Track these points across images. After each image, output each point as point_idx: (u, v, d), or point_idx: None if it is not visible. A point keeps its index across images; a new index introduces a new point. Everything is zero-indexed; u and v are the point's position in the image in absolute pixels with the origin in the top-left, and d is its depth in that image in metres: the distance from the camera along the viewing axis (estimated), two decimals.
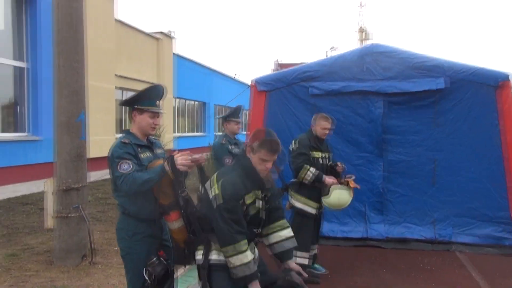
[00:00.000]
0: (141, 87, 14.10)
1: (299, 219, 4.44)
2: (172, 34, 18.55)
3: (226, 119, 5.09)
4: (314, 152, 4.46)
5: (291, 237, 2.83)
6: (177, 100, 20.08)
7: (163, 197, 2.63)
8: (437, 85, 5.52)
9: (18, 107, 11.00)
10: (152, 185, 2.58)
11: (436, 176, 5.68)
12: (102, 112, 13.12)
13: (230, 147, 4.88)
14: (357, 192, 5.83)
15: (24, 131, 10.98)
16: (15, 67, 10.73)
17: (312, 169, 4.31)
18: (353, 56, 5.83)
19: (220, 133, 5.29)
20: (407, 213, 5.79)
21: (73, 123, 4.56)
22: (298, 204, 4.43)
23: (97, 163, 9.15)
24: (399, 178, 5.82)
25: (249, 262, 2.46)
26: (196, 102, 22.59)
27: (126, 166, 2.61)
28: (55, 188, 4.60)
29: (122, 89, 15.21)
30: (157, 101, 2.84)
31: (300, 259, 4.25)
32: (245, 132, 5.69)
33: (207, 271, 2.54)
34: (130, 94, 16.13)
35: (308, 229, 4.44)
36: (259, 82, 6.02)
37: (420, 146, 5.76)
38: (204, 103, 22.70)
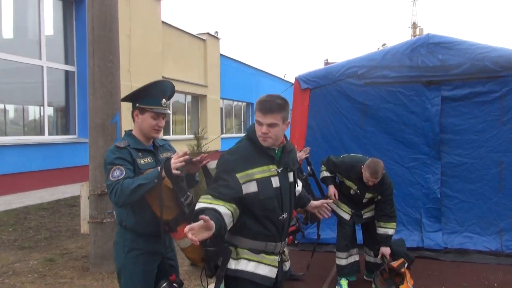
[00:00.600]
0: (188, 88, 14.25)
1: (337, 220, 4.41)
2: (218, 35, 18.47)
3: None
4: (347, 181, 4.27)
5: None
6: (224, 101, 20.03)
7: (166, 212, 2.30)
8: (504, 79, 4.93)
9: (68, 110, 11.27)
10: (143, 193, 2.24)
11: (503, 180, 5.05)
12: None
13: None
14: (411, 198, 5.37)
15: (74, 134, 11.22)
16: (65, 71, 10.98)
17: (326, 173, 4.34)
18: (405, 48, 5.30)
19: None
20: (469, 222, 5.20)
21: (108, 125, 4.42)
22: (333, 206, 4.26)
23: None
24: (459, 183, 5.24)
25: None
26: (243, 103, 22.46)
27: (117, 173, 2.30)
28: (89, 193, 4.47)
29: None
30: (163, 100, 2.52)
31: (337, 259, 4.29)
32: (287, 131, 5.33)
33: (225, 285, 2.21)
34: (176, 96, 16.40)
35: (342, 232, 4.30)
36: (302, 79, 5.65)
37: (483, 147, 5.15)
38: (251, 104, 22.51)
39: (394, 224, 4.16)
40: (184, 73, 15.94)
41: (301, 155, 4.43)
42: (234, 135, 20.67)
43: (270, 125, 2.18)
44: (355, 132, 5.48)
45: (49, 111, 10.75)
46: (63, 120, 11.24)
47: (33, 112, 10.73)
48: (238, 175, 2.15)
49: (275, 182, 2.27)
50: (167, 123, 15.70)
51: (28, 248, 5.25)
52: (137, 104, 2.51)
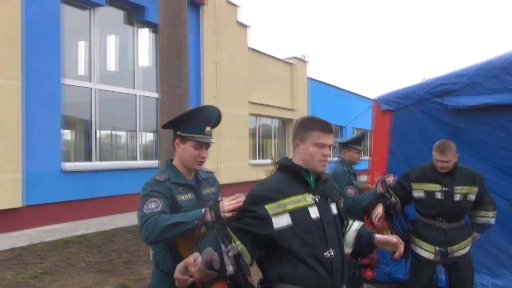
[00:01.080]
0: (275, 113, 14.24)
1: (414, 262, 3.80)
2: (306, 58, 18.38)
3: (347, 145, 4.33)
4: (428, 184, 3.70)
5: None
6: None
7: None
8: None
9: (158, 136, 11.82)
10: (179, 233, 2.01)
11: None
12: (235, 139, 13.41)
13: (351, 176, 4.19)
14: None
15: None
16: (157, 99, 11.58)
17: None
18: (503, 61, 4.62)
19: (335, 159, 4.54)
20: None
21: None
22: (412, 245, 3.74)
23: (230, 189, 9.13)
24: None
25: None
26: (334, 126, 21.93)
27: (153, 205, 2.10)
28: None
29: (255, 115, 15.44)
30: (207, 128, 2.32)
31: None
32: (367, 158, 4.91)
33: None
34: (263, 121, 16.51)
35: (419, 275, 3.69)
36: (382, 100, 5.20)
37: None
38: (341, 127, 21.90)
39: (495, 211, 3.74)
40: (271, 98, 16.02)
41: (390, 180, 3.98)
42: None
43: (330, 147, 2.05)
44: None
45: (143, 137, 11.36)
46: (155, 145, 11.80)
47: (128, 137, 11.42)
48: (267, 206, 1.91)
49: (314, 212, 1.98)
50: (254, 147, 15.79)
51: (106, 271, 5.39)
52: (178, 132, 2.34)
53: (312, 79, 19.08)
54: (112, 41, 10.80)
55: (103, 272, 5.36)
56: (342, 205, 2.22)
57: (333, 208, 2.11)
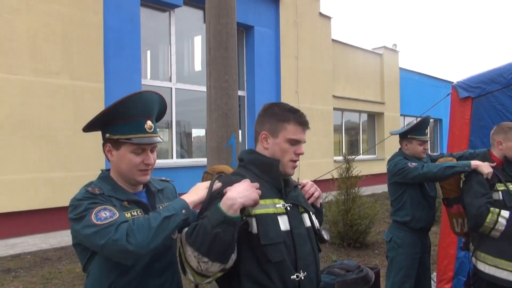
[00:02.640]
0: (362, 106, 13.56)
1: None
2: (397, 48, 17.19)
3: (406, 136, 3.69)
4: (500, 184, 2.98)
5: None
6: (405, 118, 18.45)
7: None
8: None
9: (240, 133, 11.84)
10: (173, 229, 1.52)
11: None
12: (319, 135, 12.97)
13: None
14: None
15: None
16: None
17: (505, 213, 2.79)
18: None
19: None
20: None
21: (223, 149, 4.20)
22: (485, 267, 2.90)
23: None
24: None
25: None
26: (431, 119, 20.32)
27: (106, 214, 1.51)
28: None
29: (341, 110, 14.81)
30: (147, 122, 1.71)
31: None
32: (434, 153, 4.22)
33: None
34: (349, 116, 15.76)
35: None
36: (461, 86, 4.49)
37: None
38: (440, 120, 20.19)
39: None
40: (358, 91, 15.26)
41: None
42: None
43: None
44: None
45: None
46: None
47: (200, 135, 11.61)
48: None
49: (284, 223, 1.62)
50: (339, 144, 15.17)
51: None
52: (107, 135, 1.75)
53: (404, 69, 17.81)
54: (190, 40, 11.02)
55: None
56: (314, 217, 1.82)
57: (306, 220, 1.74)
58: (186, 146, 10.92)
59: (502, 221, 2.80)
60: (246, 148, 1.87)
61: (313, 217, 1.81)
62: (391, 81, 16.83)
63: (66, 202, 6.47)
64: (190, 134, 11.24)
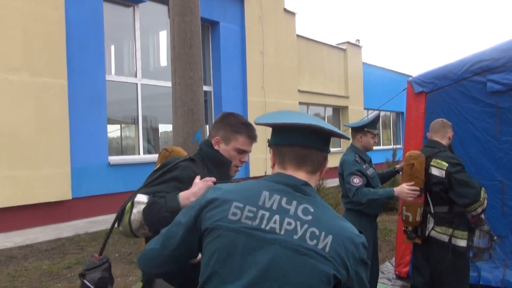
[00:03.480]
0: (327, 101, 13.78)
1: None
2: (360, 43, 17.63)
3: (363, 129, 3.89)
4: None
5: None
6: (369, 111, 18.93)
7: None
8: None
9: (207, 128, 11.90)
10: None
11: None
12: None
13: (364, 166, 3.82)
14: None
15: None
16: (204, 91, 11.61)
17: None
18: None
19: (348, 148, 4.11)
20: None
21: (189, 144, 4.29)
22: (462, 242, 3.41)
23: None
24: None
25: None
26: (392, 112, 20.95)
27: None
28: None
29: (306, 104, 15.08)
30: None
31: None
32: (397, 146, 4.44)
33: None
34: (315, 110, 16.05)
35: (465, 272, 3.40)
36: (416, 81, 4.76)
37: None
38: (401, 113, 20.84)
39: None
40: (322, 85, 15.57)
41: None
42: (381, 147, 19.38)
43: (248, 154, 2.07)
44: (486, 143, 4.34)
45: None
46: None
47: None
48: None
49: None
50: None
51: (135, 263, 5.45)
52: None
53: (367, 64, 18.29)
54: (155, 36, 10.96)
55: (132, 263, 5.43)
56: None
57: None
58: (153, 142, 10.89)
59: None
60: (205, 140, 2.11)
61: None
62: (354, 75, 17.25)
63: (30, 200, 6.44)
64: (157, 129, 11.22)
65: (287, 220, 1.24)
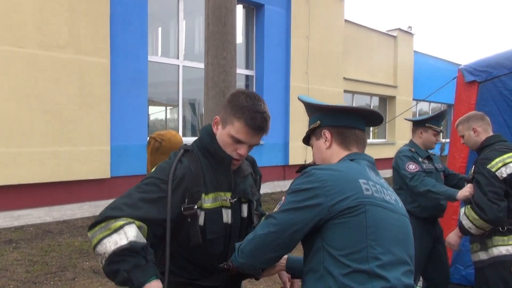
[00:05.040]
0: (374, 90, 13.33)
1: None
2: (412, 30, 16.80)
3: (424, 124, 3.56)
4: None
5: None
6: (417, 102, 18.16)
7: None
8: None
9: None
10: None
11: None
12: None
13: (419, 159, 3.50)
14: None
15: None
16: (245, 75, 11.47)
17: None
18: None
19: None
20: None
21: None
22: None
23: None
24: None
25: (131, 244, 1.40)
26: (442, 104, 19.95)
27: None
28: None
29: (351, 92, 14.59)
30: None
31: None
32: (446, 140, 4.06)
33: None
34: (360, 98, 15.49)
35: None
36: (467, 70, 4.35)
37: None
38: (452, 105, 19.80)
39: None
40: (369, 74, 15.00)
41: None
42: None
43: (251, 146, 1.64)
44: None
45: None
46: None
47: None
48: (183, 193, 1.56)
49: (226, 216, 1.62)
50: None
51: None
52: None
53: (418, 53, 17.44)
54: (199, 17, 10.88)
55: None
56: (255, 205, 1.80)
57: (244, 210, 1.72)
58: (195, 124, 10.90)
59: None
60: (206, 125, 1.76)
61: (254, 207, 1.78)
62: (404, 64, 16.50)
63: (71, 176, 6.54)
64: (198, 113, 11.21)
65: (388, 191, 1.46)
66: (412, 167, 3.38)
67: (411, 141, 3.67)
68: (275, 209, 1.44)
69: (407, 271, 1.35)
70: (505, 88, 4.07)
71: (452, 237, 3.12)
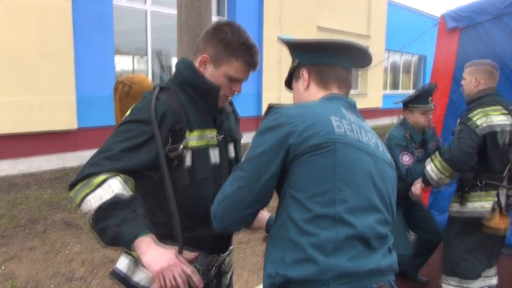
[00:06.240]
0: (347, 39, 13.28)
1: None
2: None
3: (406, 106, 3.42)
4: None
5: None
6: (390, 53, 18.13)
7: None
8: None
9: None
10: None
11: None
12: None
13: (413, 146, 3.38)
14: None
15: None
16: None
17: None
18: None
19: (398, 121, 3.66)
20: None
21: None
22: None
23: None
24: None
25: (117, 196, 1.28)
26: (414, 56, 20.02)
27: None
28: None
29: None
30: None
31: None
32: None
33: None
34: None
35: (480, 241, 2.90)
36: (450, 15, 4.24)
37: None
38: (424, 57, 19.93)
39: None
40: (343, 23, 14.73)
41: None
42: (400, 91, 18.77)
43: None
44: None
45: None
46: None
47: None
48: (167, 132, 1.43)
49: (214, 156, 1.53)
50: None
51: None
52: None
53: (392, 3, 17.21)
54: None
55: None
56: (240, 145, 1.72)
57: (231, 150, 1.63)
58: (165, 76, 10.51)
59: None
60: (182, 58, 1.61)
61: (239, 147, 1.70)
62: (378, 13, 16.29)
63: (35, 127, 6.21)
64: (170, 64, 10.78)
65: (369, 134, 1.33)
66: (406, 158, 3.27)
67: (405, 120, 3.49)
68: (242, 159, 1.31)
69: (381, 219, 1.23)
70: (487, 35, 4.01)
71: (414, 188, 3.13)
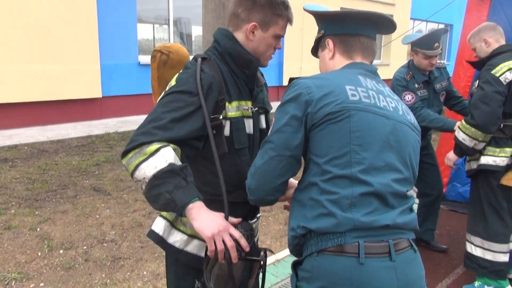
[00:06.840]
0: (370, 7, 12.96)
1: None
2: None
3: (412, 46, 3.42)
4: None
5: None
6: (415, 22, 17.64)
7: None
8: None
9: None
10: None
11: None
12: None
13: (416, 85, 3.40)
14: None
15: None
16: None
17: None
18: None
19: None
20: None
21: None
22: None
23: None
24: None
25: (170, 166, 1.31)
26: (440, 25, 19.42)
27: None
28: None
29: (347, 9, 14.05)
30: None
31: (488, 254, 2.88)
32: (444, 62, 3.88)
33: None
34: None
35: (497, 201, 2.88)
36: None
37: None
38: (451, 26, 19.31)
39: None
40: None
41: None
42: None
43: None
44: None
45: None
46: None
47: None
48: (213, 103, 1.45)
49: (248, 126, 1.56)
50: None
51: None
52: None
53: None
54: None
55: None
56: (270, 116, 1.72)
57: (262, 121, 1.66)
58: (186, 46, 10.50)
59: None
60: (220, 28, 1.59)
61: (270, 118, 1.70)
62: None
63: (62, 96, 6.39)
64: (190, 32, 10.76)
65: (388, 99, 1.38)
66: (408, 97, 3.31)
67: (411, 60, 3.51)
68: (269, 133, 1.37)
69: (399, 178, 1.30)
70: None
71: (450, 153, 3.12)
